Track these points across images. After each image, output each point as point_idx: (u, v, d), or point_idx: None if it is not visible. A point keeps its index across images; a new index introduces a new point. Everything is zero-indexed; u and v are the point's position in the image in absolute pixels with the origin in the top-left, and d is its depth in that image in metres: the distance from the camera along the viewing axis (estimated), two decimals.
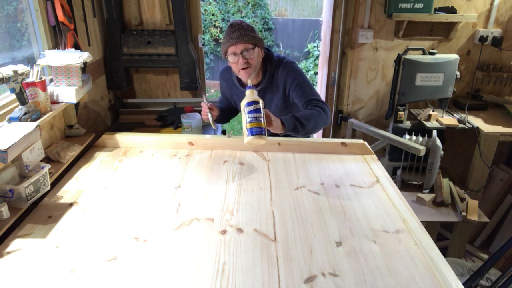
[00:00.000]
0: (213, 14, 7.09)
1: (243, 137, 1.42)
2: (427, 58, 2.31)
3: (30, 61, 1.71)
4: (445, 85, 2.37)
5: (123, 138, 1.76)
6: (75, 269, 1.01)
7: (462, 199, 2.28)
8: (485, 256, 2.66)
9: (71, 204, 1.31)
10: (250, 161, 1.63)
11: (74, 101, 1.58)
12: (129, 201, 1.33)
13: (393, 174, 2.49)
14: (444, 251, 2.46)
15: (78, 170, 1.54)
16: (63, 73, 1.57)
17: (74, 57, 1.56)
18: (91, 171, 1.54)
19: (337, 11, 2.63)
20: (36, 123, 1.30)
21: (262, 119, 1.40)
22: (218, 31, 7.14)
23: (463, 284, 1.02)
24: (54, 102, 1.56)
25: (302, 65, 6.84)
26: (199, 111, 2.36)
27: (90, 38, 2.11)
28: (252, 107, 1.40)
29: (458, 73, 2.38)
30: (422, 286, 0.97)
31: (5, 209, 1.15)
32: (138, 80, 2.59)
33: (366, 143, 1.73)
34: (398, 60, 2.36)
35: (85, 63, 1.65)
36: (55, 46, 1.73)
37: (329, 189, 1.42)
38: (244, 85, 1.87)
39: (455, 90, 2.42)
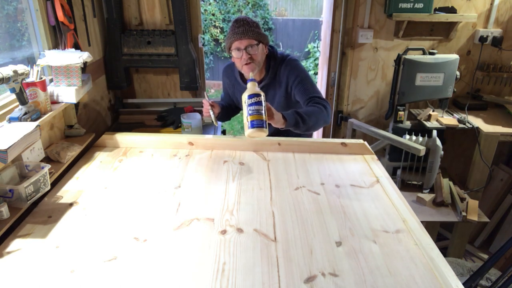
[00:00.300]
0: (213, 14, 7.09)
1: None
2: (427, 58, 2.31)
3: (30, 61, 1.71)
4: (445, 85, 2.37)
5: (123, 138, 1.76)
6: (75, 269, 1.01)
7: (462, 199, 2.28)
8: (485, 256, 2.66)
9: (71, 204, 1.31)
10: (250, 161, 1.63)
11: (74, 101, 1.58)
12: (129, 201, 1.33)
13: (393, 174, 2.49)
14: (444, 251, 2.46)
15: (78, 170, 1.54)
16: (63, 73, 1.57)
17: (74, 57, 1.56)
18: (91, 171, 1.54)
19: (337, 11, 2.63)
20: (36, 123, 1.29)
21: (263, 112, 1.40)
22: (218, 31, 7.15)
23: (463, 284, 1.02)
24: (54, 102, 1.56)
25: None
26: (199, 111, 2.36)
27: (90, 38, 2.11)
28: (253, 100, 1.40)
29: (458, 73, 2.38)
30: (422, 286, 0.97)
31: (5, 209, 1.15)
32: (138, 80, 2.59)
33: (366, 143, 1.73)
34: (398, 60, 2.36)
35: (85, 63, 1.65)
36: (55, 46, 1.73)
37: (329, 189, 1.42)
38: (246, 82, 1.87)
39: (455, 90, 2.42)
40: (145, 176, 1.50)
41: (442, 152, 2.33)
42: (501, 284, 1.60)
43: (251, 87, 1.43)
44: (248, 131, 1.39)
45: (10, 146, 1.12)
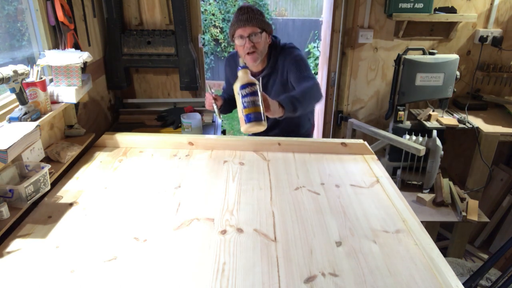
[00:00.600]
0: (213, 14, 7.09)
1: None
2: (427, 58, 2.31)
3: (30, 61, 1.71)
4: (445, 85, 2.37)
5: (123, 138, 1.76)
6: (75, 269, 1.01)
7: (462, 199, 2.28)
8: (485, 256, 2.66)
9: (71, 204, 1.31)
10: (250, 161, 1.63)
11: (74, 101, 1.58)
12: (129, 201, 1.33)
13: (393, 174, 2.49)
14: (444, 251, 2.46)
15: (78, 170, 1.54)
16: (63, 73, 1.57)
17: (74, 57, 1.56)
18: (91, 171, 1.54)
19: (337, 11, 2.63)
20: (36, 123, 1.29)
21: (259, 103, 1.26)
22: (218, 31, 7.15)
23: (463, 284, 1.02)
24: (54, 102, 1.56)
25: None
26: (199, 111, 2.37)
27: (90, 38, 2.11)
28: (247, 90, 1.25)
29: (458, 73, 2.38)
30: (422, 286, 0.97)
31: (5, 209, 1.15)
32: (138, 80, 2.59)
33: (366, 143, 1.73)
34: (398, 60, 2.36)
35: (85, 63, 1.65)
36: (55, 46, 1.73)
37: (329, 189, 1.42)
38: (251, 71, 1.86)
39: (455, 90, 2.42)
40: (145, 176, 1.50)
41: (442, 152, 2.33)
42: (501, 284, 1.60)
43: (243, 76, 1.29)
44: (244, 126, 1.28)
45: (10, 146, 1.12)
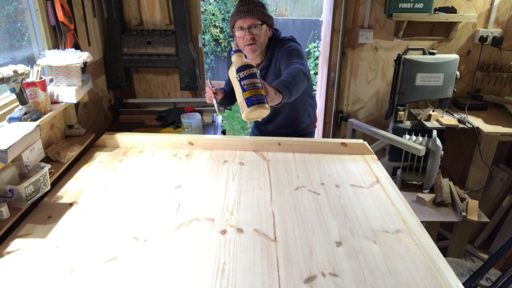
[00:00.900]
0: (213, 14, 7.09)
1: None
2: (427, 58, 2.31)
3: (30, 61, 1.71)
4: (445, 85, 2.37)
5: (123, 138, 1.76)
6: (75, 269, 1.01)
7: (462, 199, 2.28)
8: (485, 256, 2.66)
9: (71, 204, 1.31)
10: (250, 161, 1.63)
11: (74, 101, 1.58)
12: (129, 201, 1.33)
13: (393, 174, 2.50)
14: (444, 251, 2.46)
15: (78, 170, 1.54)
16: (63, 73, 1.57)
17: (74, 57, 1.56)
18: (91, 171, 1.54)
19: (337, 11, 2.63)
20: (36, 123, 1.29)
21: (259, 85, 1.16)
22: (218, 31, 7.15)
23: (463, 284, 1.03)
24: (54, 102, 1.56)
25: None
26: (199, 111, 2.37)
27: (90, 38, 2.11)
28: (245, 72, 1.15)
29: (458, 73, 2.38)
30: (422, 286, 0.97)
31: (5, 209, 1.15)
32: (138, 80, 2.60)
33: (366, 143, 1.73)
34: (398, 60, 2.36)
35: (85, 63, 1.65)
36: (55, 46, 1.73)
37: (329, 189, 1.42)
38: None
39: (455, 90, 2.42)
40: (145, 176, 1.50)
41: (442, 152, 2.33)
42: (501, 284, 1.60)
43: (238, 59, 1.21)
44: (246, 110, 1.16)
45: (10, 146, 1.12)
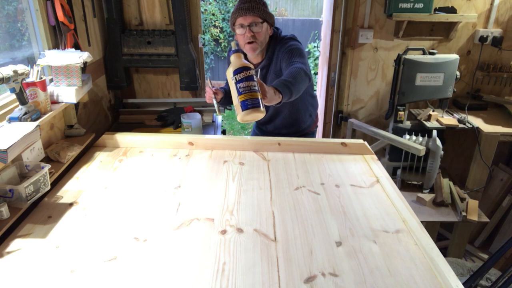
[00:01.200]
0: (213, 14, 7.09)
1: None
2: (427, 58, 2.31)
3: (30, 61, 1.71)
4: (445, 85, 2.37)
5: (123, 138, 1.76)
6: (75, 269, 1.01)
7: (462, 199, 2.28)
8: (485, 256, 2.66)
9: (71, 204, 1.31)
10: (250, 161, 1.63)
11: (74, 101, 1.58)
12: (129, 201, 1.33)
13: (393, 174, 2.50)
14: (444, 251, 2.46)
15: (78, 170, 1.54)
16: (63, 73, 1.57)
17: (74, 57, 1.56)
18: (91, 171, 1.54)
19: (337, 11, 2.63)
20: (36, 123, 1.29)
21: (256, 88, 1.17)
22: (218, 31, 7.15)
23: (463, 284, 1.03)
24: (54, 102, 1.56)
25: None
26: (199, 111, 2.37)
27: (90, 38, 2.11)
28: (241, 75, 1.16)
29: (458, 73, 2.38)
30: (422, 286, 0.97)
31: (5, 209, 1.15)
32: (138, 80, 2.60)
33: (366, 143, 1.73)
34: (398, 60, 2.36)
35: (85, 63, 1.65)
36: (55, 46, 1.73)
37: (329, 189, 1.42)
38: (250, 62, 1.84)
39: (455, 90, 2.42)
40: (145, 176, 1.50)
41: (442, 152, 2.33)
42: (501, 284, 1.60)
43: (236, 60, 1.21)
44: (241, 114, 1.18)
45: (10, 146, 1.12)
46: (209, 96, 1.76)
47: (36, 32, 1.67)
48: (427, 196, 2.31)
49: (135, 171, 1.54)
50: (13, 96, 1.45)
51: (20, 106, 1.35)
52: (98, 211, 1.27)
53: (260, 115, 1.20)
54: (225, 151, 1.72)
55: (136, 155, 1.68)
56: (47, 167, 1.31)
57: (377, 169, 1.58)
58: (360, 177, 1.52)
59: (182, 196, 1.36)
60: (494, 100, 2.70)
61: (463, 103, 2.67)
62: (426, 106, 2.72)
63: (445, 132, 2.48)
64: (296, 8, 7.96)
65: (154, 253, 1.08)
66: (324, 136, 3.03)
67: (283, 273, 1.00)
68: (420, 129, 2.45)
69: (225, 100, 1.88)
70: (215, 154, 1.69)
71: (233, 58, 1.24)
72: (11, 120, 1.32)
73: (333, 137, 2.96)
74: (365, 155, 1.71)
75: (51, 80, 1.63)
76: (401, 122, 2.49)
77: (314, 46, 6.92)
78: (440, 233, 2.78)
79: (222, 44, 7.24)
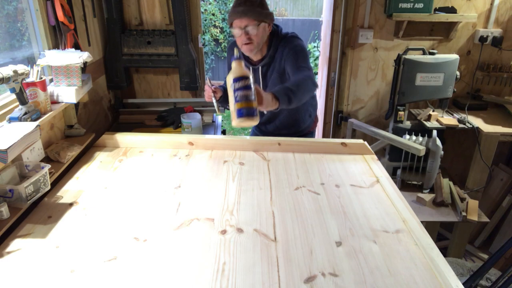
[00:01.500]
0: (213, 14, 7.09)
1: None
2: (427, 58, 2.31)
3: (30, 61, 1.71)
4: (445, 85, 2.37)
5: (123, 138, 1.76)
6: (75, 269, 1.01)
7: (462, 199, 2.28)
8: (485, 256, 2.66)
9: (71, 204, 1.31)
10: (250, 161, 1.63)
11: (74, 101, 1.58)
12: (129, 201, 1.33)
13: (393, 174, 2.49)
14: (444, 251, 2.46)
15: (78, 170, 1.54)
16: (63, 73, 1.57)
17: (74, 57, 1.56)
18: (91, 171, 1.54)
19: (337, 11, 2.63)
20: (36, 123, 1.29)
21: (252, 97, 1.24)
22: (218, 31, 7.15)
23: (463, 284, 1.03)
24: (54, 102, 1.56)
25: None
26: (199, 111, 2.37)
27: (90, 38, 2.11)
28: (240, 84, 1.23)
29: (458, 73, 2.39)
30: (422, 286, 0.97)
31: (5, 209, 1.15)
32: (138, 80, 2.60)
33: (366, 143, 1.73)
34: (398, 60, 2.36)
35: (85, 63, 1.65)
36: (55, 46, 1.73)
37: (329, 189, 1.42)
38: (249, 60, 1.84)
39: (455, 90, 2.42)
40: (145, 176, 1.50)
41: (442, 152, 2.33)
42: (501, 284, 1.60)
43: (237, 68, 1.26)
44: (235, 120, 1.26)
45: (10, 146, 1.12)
46: (209, 95, 1.77)
47: (36, 32, 1.67)
48: (427, 196, 2.31)
49: (135, 171, 1.54)
50: (13, 96, 1.45)
51: (20, 106, 1.35)
52: (98, 211, 1.27)
53: (253, 123, 1.27)
54: (225, 151, 1.72)
55: (136, 155, 1.68)
56: (47, 167, 1.31)
57: (377, 169, 1.58)
58: (360, 177, 1.52)
59: (182, 196, 1.36)
60: (494, 100, 2.70)
61: (463, 103, 2.67)
62: (426, 106, 2.72)
63: (445, 132, 2.48)
64: (296, 8, 7.97)
65: (154, 253, 1.07)
66: (324, 136, 3.03)
67: (283, 273, 1.00)
68: (420, 129, 2.45)
69: (224, 99, 1.88)
70: (215, 154, 1.69)
71: (234, 65, 1.28)
72: (11, 120, 1.32)
73: (333, 137, 2.96)
74: (365, 155, 1.71)
75: (51, 80, 1.63)
76: (401, 122, 2.49)
77: (314, 46, 6.92)
78: (440, 233, 2.78)
79: (222, 44, 7.24)
